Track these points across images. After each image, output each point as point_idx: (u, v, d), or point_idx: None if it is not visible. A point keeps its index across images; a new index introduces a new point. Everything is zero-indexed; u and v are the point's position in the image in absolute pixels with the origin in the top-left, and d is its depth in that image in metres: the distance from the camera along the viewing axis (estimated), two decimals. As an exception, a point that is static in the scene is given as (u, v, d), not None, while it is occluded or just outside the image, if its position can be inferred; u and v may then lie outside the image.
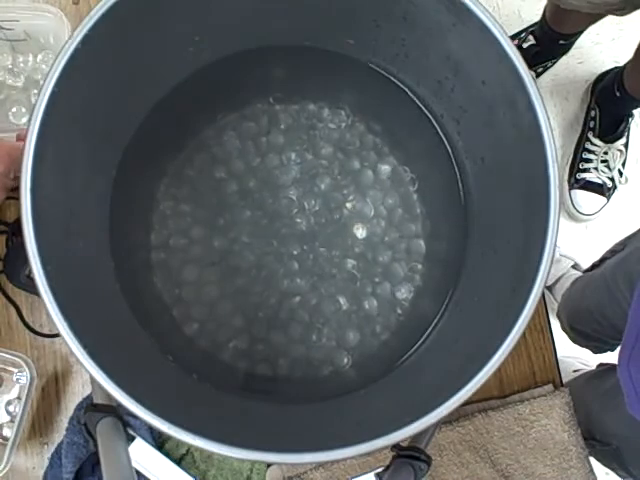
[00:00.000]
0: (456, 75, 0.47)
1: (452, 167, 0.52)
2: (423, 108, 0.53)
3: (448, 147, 0.52)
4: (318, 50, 0.53)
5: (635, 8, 0.80)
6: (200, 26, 0.48)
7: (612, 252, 0.88)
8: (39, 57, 0.66)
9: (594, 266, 0.95)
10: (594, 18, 1.06)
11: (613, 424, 0.76)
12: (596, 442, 0.77)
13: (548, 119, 0.40)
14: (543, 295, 0.68)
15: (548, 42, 1.17)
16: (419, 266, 0.54)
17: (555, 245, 0.40)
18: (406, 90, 0.53)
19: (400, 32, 0.48)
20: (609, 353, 0.99)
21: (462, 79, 0.46)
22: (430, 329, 0.51)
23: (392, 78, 0.53)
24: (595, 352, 1.01)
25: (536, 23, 1.19)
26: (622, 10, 0.81)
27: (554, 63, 1.26)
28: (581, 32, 1.18)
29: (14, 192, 0.65)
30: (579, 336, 0.97)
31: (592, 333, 0.90)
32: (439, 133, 0.53)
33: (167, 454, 0.59)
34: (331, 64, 0.54)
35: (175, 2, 0.45)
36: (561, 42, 1.18)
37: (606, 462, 0.81)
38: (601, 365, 0.94)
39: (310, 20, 0.50)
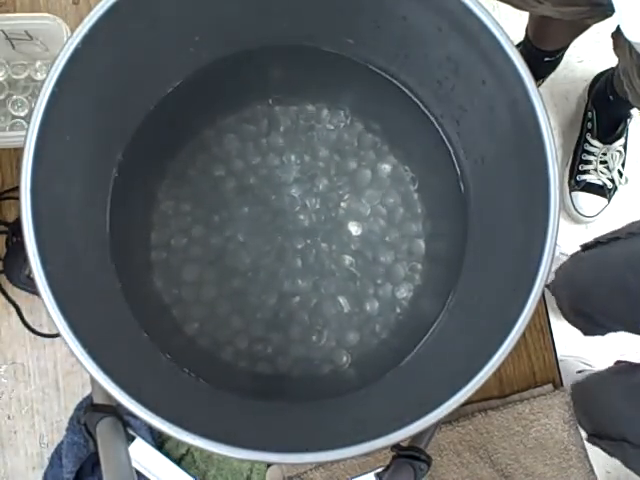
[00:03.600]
0: (456, 75, 0.47)
1: (452, 167, 0.52)
2: (423, 108, 0.53)
3: (448, 147, 0.52)
4: (318, 50, 0.53)
5: (605, 16, 0.81)
6: (200, 26, 0.48)
7: (609, 239, 0.87)
8: (38, 62, 0.66)
9: (586, 247, 0.94)
10: (574, 33, 1.07)
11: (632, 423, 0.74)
12: (602, 438, 0.76)
13: (548, 119, 0.40)
14: (543, 295, 0.68)
15: (534, 61, 1.17)
16: (419, 266, 0.54)
17: (555, 245, 0.40)
18: (406, 90, 0.53)
19: (400, 32, 0.47)
20: (626, 356, 0.98)
21: (462, 79, 0.46)
22: (430, 329, 0.51)
23: (392, 78, 0.53)
24: (585, 333, 1.01)
25: (520, 43, 1.20)
26: (592, 18, 0.82)
27: (541, 83, 1.27)
28: (565, 48, 1.19)
29: (14, 192, 0.65)
30: (574, 314, 0.96)
31: (586, 310, 0.90)
32: (439, 133, 0.53)
33: (167, 454, 0.59)
34: (331, 64, 0.54)
35: (175, 2, 0.45)
36: (546, 59, 1.18)
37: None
38: (619, 362, 0.94)
39: (310, 20, 0.50)
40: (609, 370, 0.93)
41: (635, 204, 1.27)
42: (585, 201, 1.23)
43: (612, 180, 1.22)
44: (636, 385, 0.78)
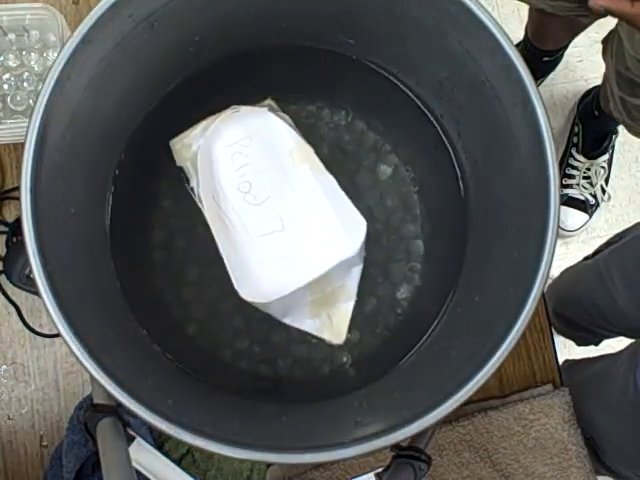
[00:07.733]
0: (456, 75, 0.47)
1: (452, 167, 0.52)
2: (423, 108, 0.53)
3: (448, 147, 0.52)
4: (318, 50, 0.53)
5: (600, 15, 0.81)
6: (200, 26, 0.48)
7: (607, 244, 0.88)
8: (32, 54, 0.66)
9: (586, 258, 0.95)
10: (573, 32, 1.07)
11: (588, 412, 0.75)
12: None
13: (548, 119, 0.40)
14: (543, 295, 0.68)
15: (533, 60, 1.18)
16: (419, 266, 0.54)
17: (555, 244, 0.40)
18: (406, 90, 0.53)
19: (400, 32, 0.48)
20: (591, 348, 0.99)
21: (462, 79, 0.46)
22: (430, 329, 0.51)
23: (392, 78, 0.53)
24: (579, 344, 1.01)
25: (520, 43, 1.20)
26: (586, 16, 0.82)
27: (541, 83, 1.27)
28: (564, 48, 1.19)
29: (14, 192, 0.65)
30: (566, 325, 0.97)
31: (580, 322, 0.90)
32: (439, 133, 0.53)
33: (167, 454, 0.59)
34: (331, 64, 0.54)
35: (175, 2, 0.45)
36: (545, 59, 1.19)
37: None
38: (566, 362, 0.94)
39: (310, 20, 0.50)
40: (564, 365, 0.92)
41: (616, 222, 1.28)
42: (567, 215, 1.23)
43: (594, 196, 1.23)
44: (585, 380, 0.78)
